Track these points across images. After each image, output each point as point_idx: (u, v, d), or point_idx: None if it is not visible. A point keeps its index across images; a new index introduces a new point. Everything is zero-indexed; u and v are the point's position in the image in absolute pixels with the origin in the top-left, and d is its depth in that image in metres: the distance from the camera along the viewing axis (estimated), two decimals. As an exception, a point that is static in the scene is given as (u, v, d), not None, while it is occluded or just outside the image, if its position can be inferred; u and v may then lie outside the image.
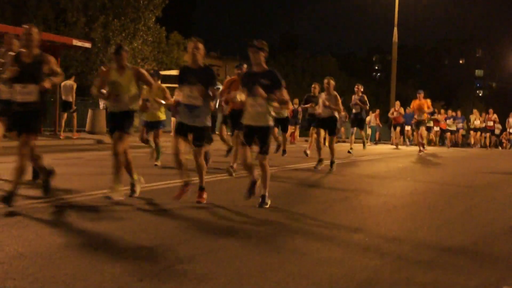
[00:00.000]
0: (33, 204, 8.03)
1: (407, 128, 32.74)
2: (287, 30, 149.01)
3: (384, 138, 37.06)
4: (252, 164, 8.66)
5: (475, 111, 35.85)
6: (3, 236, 6.14)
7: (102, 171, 11.68)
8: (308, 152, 18.48)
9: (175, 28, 55.59)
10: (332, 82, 14.81)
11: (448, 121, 34.91)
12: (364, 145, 23.04)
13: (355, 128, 21.69)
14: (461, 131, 36.46)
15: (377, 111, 37.77)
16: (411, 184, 12.49)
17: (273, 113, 8.66)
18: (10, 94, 8.00)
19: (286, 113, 17.50)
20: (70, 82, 23.66)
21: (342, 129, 35.31)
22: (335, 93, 14.68)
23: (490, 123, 34.44)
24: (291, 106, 25.68)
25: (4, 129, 8.56)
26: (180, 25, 66.04)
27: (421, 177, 14.17)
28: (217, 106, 13.99)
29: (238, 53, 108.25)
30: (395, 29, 39.65)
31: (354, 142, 21.94)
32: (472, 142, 36.04)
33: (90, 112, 26.95)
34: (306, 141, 31.62)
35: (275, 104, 8.50)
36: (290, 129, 29.91)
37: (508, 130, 36.06)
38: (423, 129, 23.53)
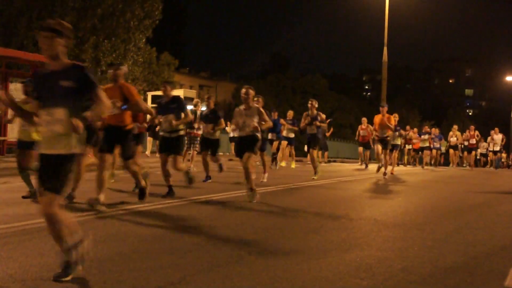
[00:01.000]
0: (23, 226, 7.98)
1: None
2: (278, 50, 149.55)
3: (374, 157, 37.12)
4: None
5: (454, 127, 34.39)
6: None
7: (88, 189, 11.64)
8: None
9: (166, 49, 55.78)
10: (252, 92, 12.39)
11: (422, 136, 32.99)
12: (315, 172, 18.18)
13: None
14: (437, 151, 33.52)
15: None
16: (402, 203, 12.48)
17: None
18: None
19: (217, 134, 16.48)
20: None
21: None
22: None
23: (472, 141, 32.90)
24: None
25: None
26: (171, 46, 66.34)
27: (412, 196, 14.16)
28: None
29: (229, 73, 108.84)
30: (385, 49, 39.79)
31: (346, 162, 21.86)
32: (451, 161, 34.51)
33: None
34: (298, 161, 31.74)
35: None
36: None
37: (491, 148, 34.90)
38: (378, 148, 20.25)
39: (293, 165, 25.16)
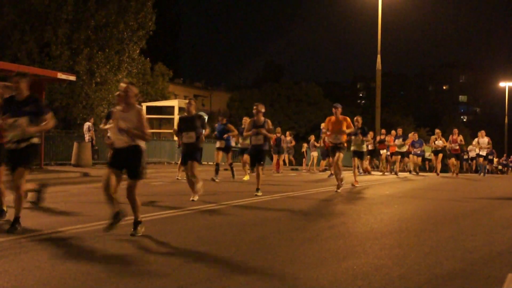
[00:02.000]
0: (18, 239, 7.95)
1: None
2: (272, 59, 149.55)
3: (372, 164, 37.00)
4: None
5: (437, 131, 30.62)
6: (-13, 272, 6.07)
7: (85, 205, 11.63)
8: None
9: (160, 59, 55.82)
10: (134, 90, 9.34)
11: (397, 140, 29.60)
12: (257, 189, 14.86)
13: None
14: (417, 158, 31.05)
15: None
16: (398, 210, 12.48)
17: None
18: None
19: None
20: (89, 123, 26.13)
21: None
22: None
23: (456, 146, 29.60)
24: (274, 135, 25.53)
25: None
26: (164, 56, 66.34)
27: (407, 204, 14.16)
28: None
29: (223, 82, 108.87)
30: (379, 56, 39.88)
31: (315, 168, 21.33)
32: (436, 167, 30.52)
33: (75, 144, 26.89)
34: (294, 170, 31.76)
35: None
36: (274, 157, 29.98)
37: (477, 152, 32.26)
38: (339, 156, 16.70)
39: (246, 178, 20.87)
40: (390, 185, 20.75)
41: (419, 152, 30.93)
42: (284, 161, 31.34)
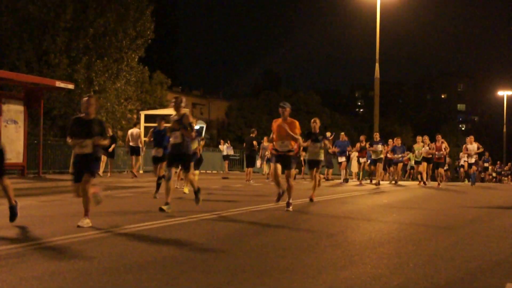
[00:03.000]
0: (17, 248, 7.94)
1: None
2: (270, 68, 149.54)
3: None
4: None
5: (418, 138, 28.64)
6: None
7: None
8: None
9: (158, 68, 55.85)
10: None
11: (375, 146, 26.78)
12: (167, 202, 12.41)
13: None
14: (397, 165, 29.24)
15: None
16: (396, 219, 12.48)
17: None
18: None
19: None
20: (137, 130, 26.42)
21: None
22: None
23: (440, 154, 27.01)
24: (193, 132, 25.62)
25: None
26: (163, 65, 66.39)
27: (405, 213, 14.16)
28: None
29: (221, 91, 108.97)
30: (377, 65, 39.92)
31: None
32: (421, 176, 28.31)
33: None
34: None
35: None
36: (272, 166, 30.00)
37: (465, 159, 29.91)
38: (274, 167, 13.93)
39: (186, 190, 17.87)
40: (388, 194, 20.74)
41: (400, 158, 29.01)
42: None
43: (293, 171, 13.66)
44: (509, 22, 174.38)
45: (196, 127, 18.09)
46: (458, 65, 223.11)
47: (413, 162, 31.48)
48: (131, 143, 25.64)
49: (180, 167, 14.48)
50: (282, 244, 8.74)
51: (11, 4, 32.44)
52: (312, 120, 16.89)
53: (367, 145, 28.42)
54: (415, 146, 28.60)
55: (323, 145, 16.57)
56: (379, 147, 26.68)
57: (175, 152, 12.70)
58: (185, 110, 12.92)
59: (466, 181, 30.79)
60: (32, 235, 8.91)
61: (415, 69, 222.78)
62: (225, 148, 39.33)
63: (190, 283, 6.21)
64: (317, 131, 16.59)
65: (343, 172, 30.28)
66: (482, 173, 43.63)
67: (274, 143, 14.08)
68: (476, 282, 6.56)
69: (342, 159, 30.10)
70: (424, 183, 27.52)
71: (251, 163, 27.75)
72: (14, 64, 32.19)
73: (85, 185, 10.19)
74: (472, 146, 29.14)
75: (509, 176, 50.55)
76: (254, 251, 8.15)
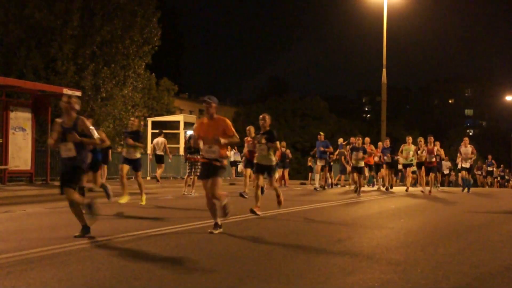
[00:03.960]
0: (25, 255, 7.97)
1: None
2: (276, 74, 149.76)
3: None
4: None
5: (408, 138, 25.71)
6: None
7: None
8: None
9: (165, 74, 55.96)
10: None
11: (356, 153, 23.24)
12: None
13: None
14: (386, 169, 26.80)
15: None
16: (404, 225, 12.44)
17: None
18: None
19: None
20: (162, 139, 26.36)
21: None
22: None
23: (431, 158, 24.03)
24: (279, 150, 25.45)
25: None
26: (170, 71, 66.51)
27: (413, 218, 14.13)
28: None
29: (228, 97, 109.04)
30: (384, 70, 39.90)
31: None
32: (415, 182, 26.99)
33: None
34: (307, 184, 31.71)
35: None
36: (278, 172, 29.94)
37: (460, 163, 26.72)
38: (215, 182, 10.53)
39: (124, 200, 15.82)
40: (396, 199, 20.69)
41: (390, 161, 26.61)
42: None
43: (218, 180, 10.48)
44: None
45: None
46: (466, 70, 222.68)
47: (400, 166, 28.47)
48: (157, 152, 26.19)
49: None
50: (289, 250, 8.73)
51: (18, 12, 32.52)
52: (261, 117, 13.97)
53: (348, 148, 27.00)
54: (404, 147, 25.45)
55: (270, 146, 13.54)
56: (360, 154, 23.13)
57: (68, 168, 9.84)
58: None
59: (466, 190, 26.57)
60: (40, 242, 8.91)
61: (422, 74, 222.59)
62: (232, 154, 39.27)
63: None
64: (267, 129, 13.69)
65: (317, 177, 26.45)
66: (489, 178, 43.04)
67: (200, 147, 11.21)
68: (485, 287, 6.54)
69: (321, 162, 25.89)
70: (387, 188, 25.94)
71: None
72: (22, 72, 32.27)
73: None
74: (467, 149, 26.64)
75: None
76: (261, 257, 8.15)
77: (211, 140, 10.46)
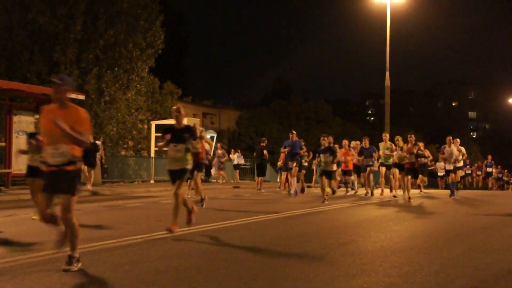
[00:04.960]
0: (29, 259, 7.97)
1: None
2: (280, 77, 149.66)
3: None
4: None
5: (384, 135, 24.51)
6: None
7: (93, 224, 11.64)
8: None
9: (168, 78, 56.00)
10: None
11: (323, 155, 19.32)
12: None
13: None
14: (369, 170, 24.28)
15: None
16: (408, 228, 12.44)
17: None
18: None
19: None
20: (98, 142, 25.93)
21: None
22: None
23: (411, 158, 21.03)
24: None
25: None
26: (173, 75, 66.50)
27: (417, 221, 14.11)
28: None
29: (232, 100, 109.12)
30: (387, 73, 39.90)
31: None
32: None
33: (85, 163, 26.96)
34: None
35: None
36: (283, 174, 29.85)
37: (453, 163, 23.40)
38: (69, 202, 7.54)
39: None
40: (401, 203, 20.63)
41: (370, 163, 24.51)
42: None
43: (74, 199, 7.44)
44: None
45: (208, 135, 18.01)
46: (469, 72, 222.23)
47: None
48: None
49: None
50: (294, 253, 8.72)
51: (21, 17, 32.59)
52: (174, 108, 11.74)
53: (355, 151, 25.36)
54: (381, 145, 23.68)
55: (191, 147, 11.19)
56: (325, 156, 19.33)
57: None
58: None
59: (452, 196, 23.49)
60: (46, 246, 8.91)
61: (425, 77, 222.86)
62: (236, 157, 39.27)
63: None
64: (181, 126, 11.36)
65: (293, 180, 23.63)
66: (488, 180, 42.81)
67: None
68: (489, 290, 6.53)
69: (292, 164, 23.50)
70: (372, 193, 23.59)
71: (261, 172, 27.73)
72: (25, 76, 32.31)
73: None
74: (451, 149, 23.83)
75: None
76: (266, 260, 8.14)
77: (59, 139, 7.48)
